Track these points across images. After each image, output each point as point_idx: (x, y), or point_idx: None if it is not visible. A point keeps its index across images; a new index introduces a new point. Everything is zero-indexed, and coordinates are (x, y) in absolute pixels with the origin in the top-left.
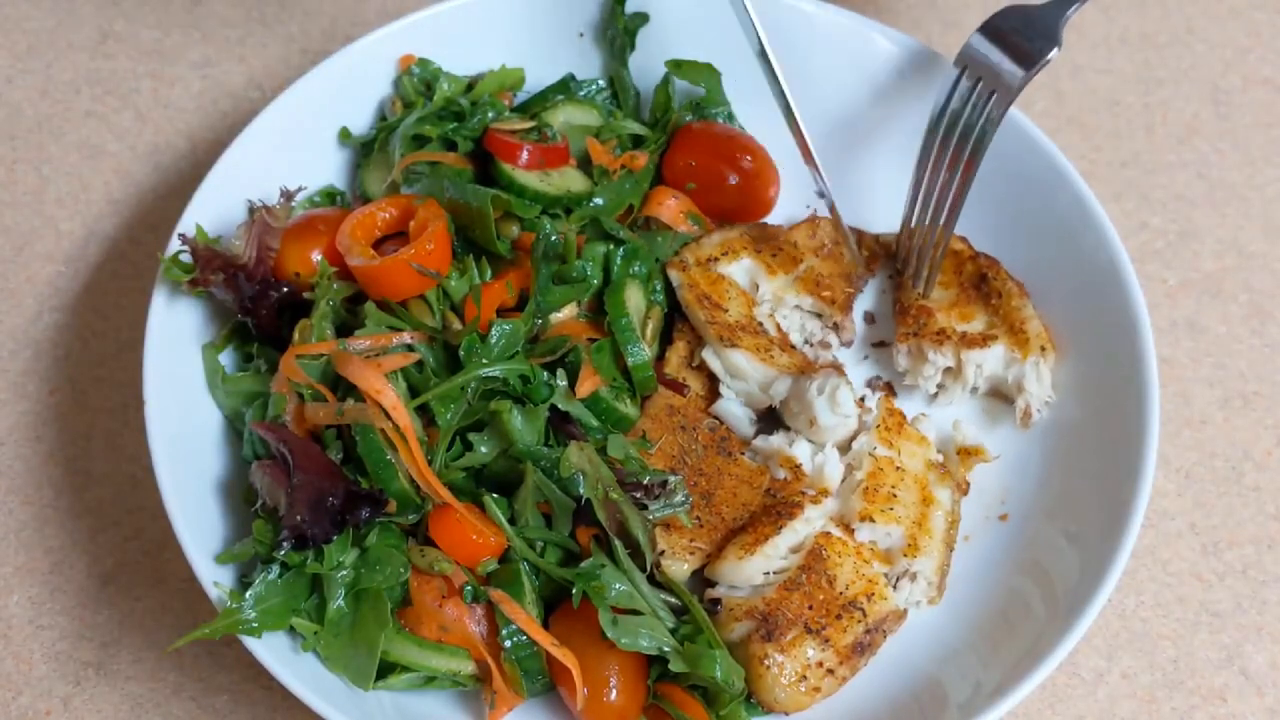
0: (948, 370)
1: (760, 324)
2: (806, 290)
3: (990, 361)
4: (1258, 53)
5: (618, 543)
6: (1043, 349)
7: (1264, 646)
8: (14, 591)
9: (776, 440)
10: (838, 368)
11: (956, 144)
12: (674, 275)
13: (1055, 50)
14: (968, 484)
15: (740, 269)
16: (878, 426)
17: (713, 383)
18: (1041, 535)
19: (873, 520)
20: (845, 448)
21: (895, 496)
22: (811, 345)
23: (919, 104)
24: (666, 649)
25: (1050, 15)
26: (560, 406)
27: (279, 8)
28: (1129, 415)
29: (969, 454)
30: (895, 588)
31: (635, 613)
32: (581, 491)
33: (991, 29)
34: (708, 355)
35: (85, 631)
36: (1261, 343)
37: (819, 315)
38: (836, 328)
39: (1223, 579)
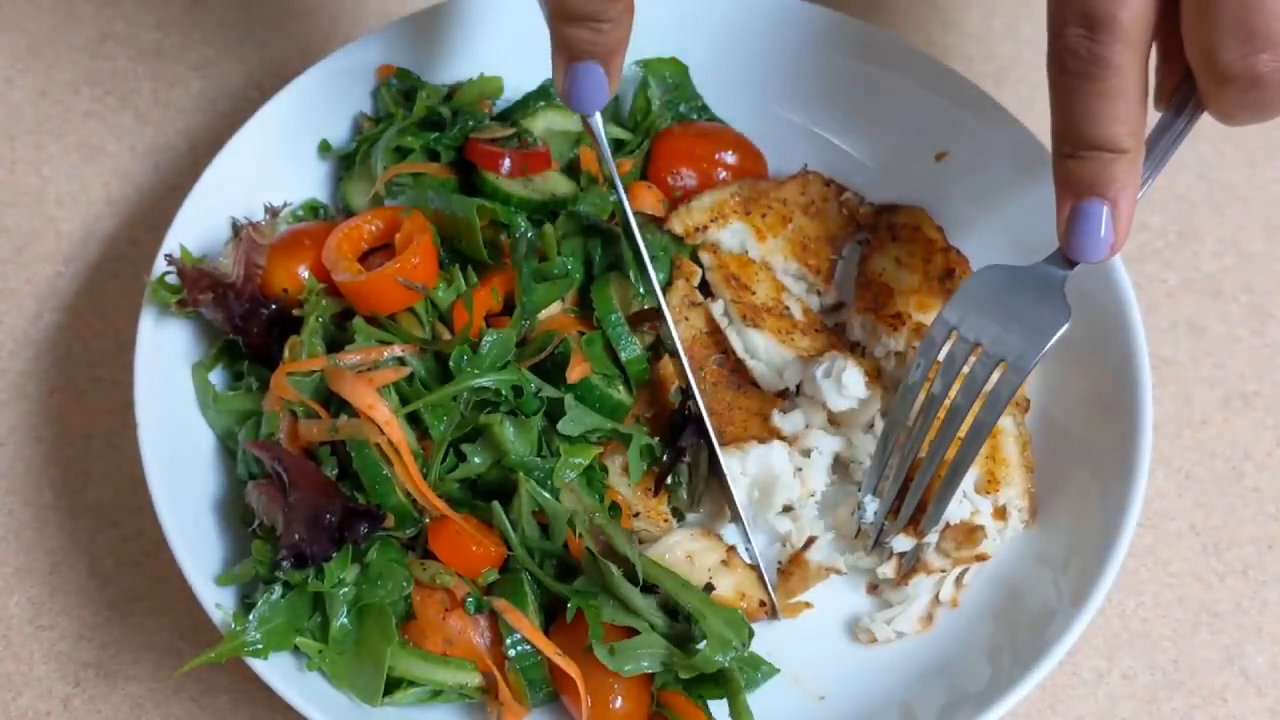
0: (897, 354)
1: (787, 307)
2: (793, 255)
3: None
4: None
5: (608, 565)
6: None
7: (1264, 646)
8: (14, 592)
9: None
10: (852, 349)
11: (949, 415)
12: (705, 257)
13: (1066, 323)
14: (1028, 400)
15: (730, 234)
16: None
17: (714, 323)
18: (1040, 535)
19: None
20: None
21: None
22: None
23: (915, 103)
24: (669, 662)
25: (1049, 277)
26: (549, 396)
27: (279, 8)
28: (1124, 414)
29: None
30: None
31: (631, 631)
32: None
33: (980, 289)
34: (730, 333)
35: (85, 632)
36: (1261, 343)
37: (803, 280)
38: (819, 295)
39: (1223, 579)
